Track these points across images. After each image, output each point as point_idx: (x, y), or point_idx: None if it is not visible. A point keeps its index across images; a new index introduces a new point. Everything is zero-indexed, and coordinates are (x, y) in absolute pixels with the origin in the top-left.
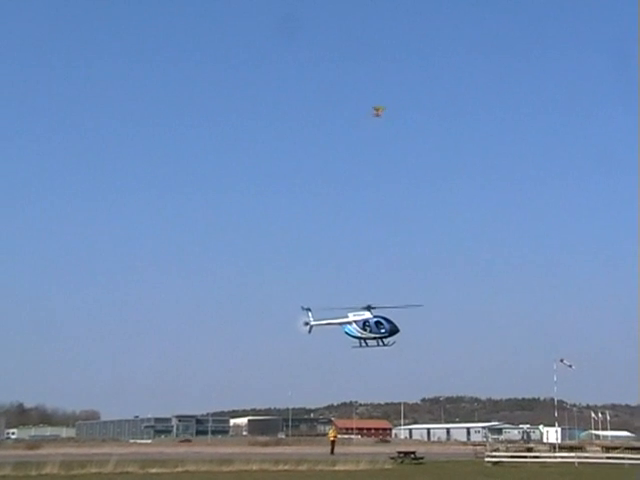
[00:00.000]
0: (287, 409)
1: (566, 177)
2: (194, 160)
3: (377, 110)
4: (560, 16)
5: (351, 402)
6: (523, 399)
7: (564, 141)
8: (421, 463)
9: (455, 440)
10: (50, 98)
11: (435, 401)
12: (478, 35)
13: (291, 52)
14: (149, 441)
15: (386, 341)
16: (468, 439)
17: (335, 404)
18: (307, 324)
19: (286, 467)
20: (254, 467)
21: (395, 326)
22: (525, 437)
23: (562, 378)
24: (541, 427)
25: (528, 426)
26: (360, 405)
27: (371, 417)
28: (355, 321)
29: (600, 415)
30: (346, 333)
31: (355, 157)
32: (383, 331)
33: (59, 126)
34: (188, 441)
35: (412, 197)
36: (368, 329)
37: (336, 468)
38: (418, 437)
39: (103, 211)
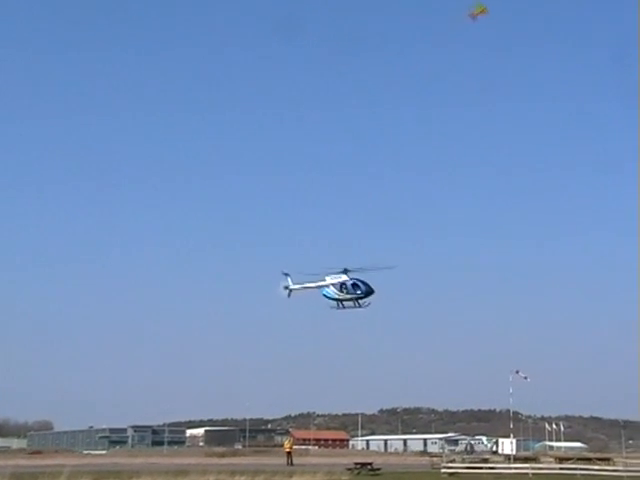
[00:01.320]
0: (244, 420)
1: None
2: (194, 160)
3: (478, 11)
4: (560, 16)
5: (309, 413)
6: (479, 410)
7: (564, 142)
8: (378, 474)
9: (412, 451)
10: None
11: (392, 412)
12: (477, 33)
13: (291, 52)
14: (104, 452)
15: (362, 302)
16: (425, 450)
17: (293, 415)
18: (287, 288)
19: (243, 478)
20: (210, 478)
21: (370, 287)
22: (469, 448)
23: (518, 390)
24: (484, 439)
25: (470, 438)
26: (318, 416)
27: (329, 428)
28: (332, 284)
29: (554, 426)
30: (324, 295)
31: (352, 152)
32: (359, 292)
33: (56, 127)
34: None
35: (407, 191)
36: (345, 291)
37: (293, 479)
38: (375, 448)
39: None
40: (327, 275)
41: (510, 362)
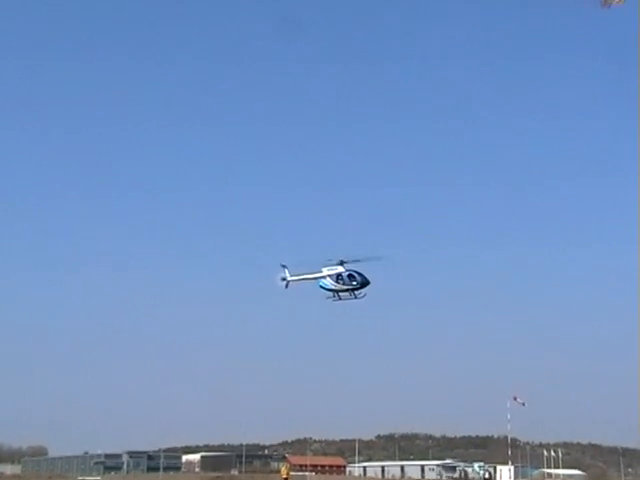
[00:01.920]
0: (240, 445)
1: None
2: (193, 159)
3: None
4: (560, 16)
5: (305, 438)
6: (477, 437)
7: (563, 142)
8: None
9: (409, 478)
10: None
11: (390, 438)
12: (477, 33)
13: (291, 53)
14: (98, 478)
15: (357, 293)
16: (422, 477)
17: (289, 440)
18: (284, 279)
19: None
20: None
21: (366, 278)
22: (462, 476)
23: (515, 416)
24: (475, 465)
25: (464, 465)
26: (314, 441)
27: (325, 454)
28: (329, 275)
29: (552, 453)
30: (321, 287)
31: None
32: (355, 283)
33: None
34: None
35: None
36: (341, 282)
37: None
38: (372, 474)
39: None
40: (324, 267)
41: (508, 388)
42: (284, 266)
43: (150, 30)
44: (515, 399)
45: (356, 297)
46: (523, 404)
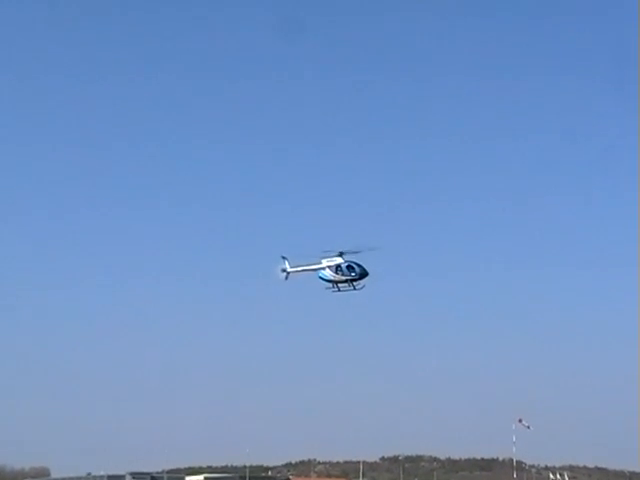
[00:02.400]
0: (244, 466)
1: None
2: (193, 160)
3: None
4: (559, 17)
5: (309, 460)
6: (482, 459)
7: (563, 144)
8: None
9: None
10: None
11: (394, 460)
12: (476, 33)
13: (291, 54)
14: None
15: (356, 284)
16: None
17: (293, 462)
18: (284, 271)
19: None
20: None
21: (364, 270)
22: None
23: (521, 438)
24: None
25: None
26: (319, 463)
27: (329, 475)
28: (328, 266)
29: (558, 476)
30: (320, 278)
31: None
32: (354, 274)
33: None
34: None
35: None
36: (340, 273)
37: None
38: None
39: None
40: (323, 258)
41: (513, 410)
42: (284, 258)
43: (148, 28)
44: (520, 421)
45: (355, 288)
46: (528, 427)
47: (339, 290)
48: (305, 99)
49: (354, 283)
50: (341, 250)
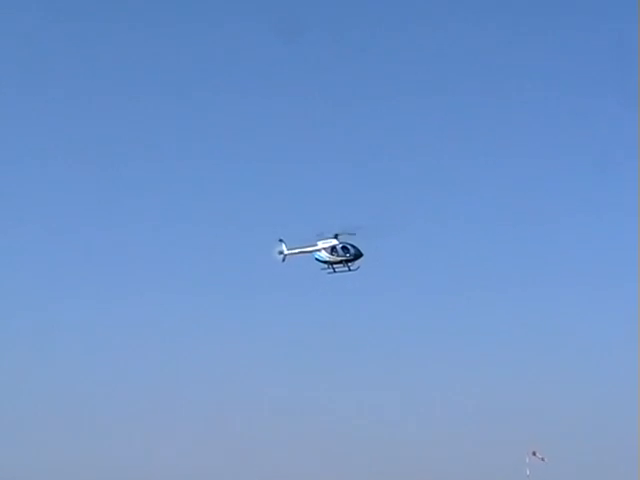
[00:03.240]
0: None
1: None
2: (192, 159)
3: None
4: (558, 15)
5: None
6: None
7: (562, 144)
8: None
9: None
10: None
11: None
12: (475, 33)
13: (291, 55)
14: None
15: (351, 265)
16: None
17: None
18: (281, 253)
19: None
20: None
21: (359, 250)
22: None
23: (535, 472)
24: None
25: None
26: None
27: None
28: (324, 248)
29: None
30: (316, 259)
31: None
32: (348, 255)
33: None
34: None
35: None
36: (335, 254)
37: None
38: None
39: None
40: (319, 240)
41: (526, 442)
42: (281, 240)
43: (147, 28)
44: (534, 454)
45: (350, 269)
46: (542, 459)
47: (334, 271)
48: (305, 99)
49: (349, 264)
50: (336, 232)
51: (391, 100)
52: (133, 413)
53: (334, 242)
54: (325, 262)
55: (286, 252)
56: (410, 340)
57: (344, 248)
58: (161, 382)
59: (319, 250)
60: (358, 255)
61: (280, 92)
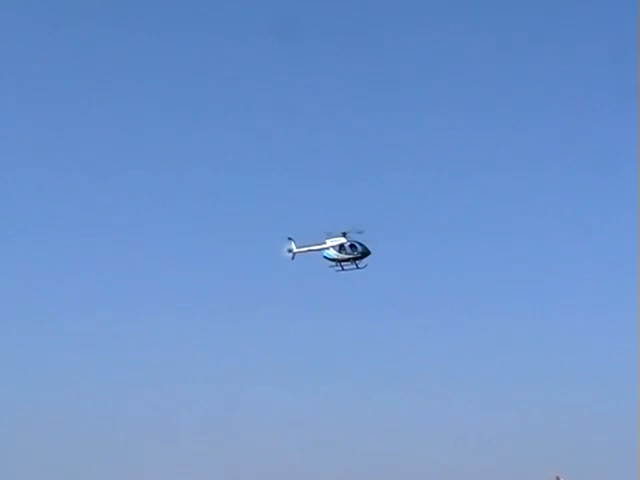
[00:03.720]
0: None
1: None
2: (191, 159)
3: None
4: (558, 14)
5: None
6: None
7: (562, 144)
8: None
9: None
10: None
11: None
12: (475, 33)
13: (291, 55)
14: None
15: (359, 263)
16: None
17: None
18: (290, 251)
19: None
20: None
21: (367, 248)
22: None
23: None
24: None
25: None
26: None
27: None
28: (332, 246)
29: None
30: (324, 257)
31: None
32: (356, 252)
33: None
34: None
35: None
36: (343, 252)
37: None
38: None
39: None
40: (327, 238)
41: (550, 467)
42: (290, 238)
43: (147, 28)
44: (558, 479)
45: (358, 267)
46: None
47: (342, 269)
48: (304, 98)
49: (357, 262)
50: (344, 230)
51: (391, 100)
52: (135, 418)
53: (342, 240)
54: (333, 260)
55: (295, 250)
56: (420, 345)
57: (352, 246)
58: (163, 385)
59: (328, 248)
60: (366, 253)
61: (280, 92)
